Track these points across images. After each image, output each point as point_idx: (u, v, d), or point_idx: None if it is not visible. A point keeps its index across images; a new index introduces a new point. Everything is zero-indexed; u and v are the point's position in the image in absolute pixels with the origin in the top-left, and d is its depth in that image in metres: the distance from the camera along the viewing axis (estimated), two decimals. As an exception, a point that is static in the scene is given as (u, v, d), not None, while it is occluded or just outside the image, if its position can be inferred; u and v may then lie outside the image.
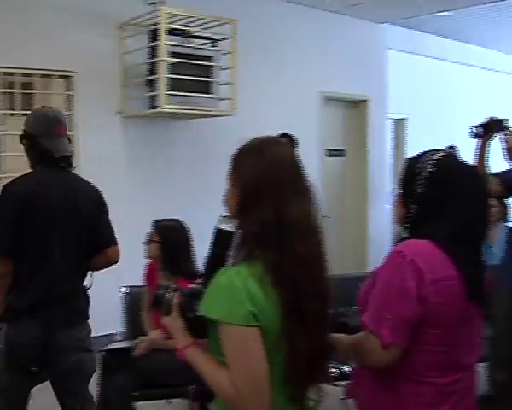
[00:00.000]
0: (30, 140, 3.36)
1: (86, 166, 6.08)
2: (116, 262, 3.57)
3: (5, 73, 5.90)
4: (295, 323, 1.88)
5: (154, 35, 6.27)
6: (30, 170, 3.45)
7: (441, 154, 2.24)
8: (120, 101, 6.46)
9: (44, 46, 6.01)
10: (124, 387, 3.92)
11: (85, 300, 3.50)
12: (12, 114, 6.00)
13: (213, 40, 6.72)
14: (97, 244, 3.46)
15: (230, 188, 2.02)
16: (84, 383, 3.49)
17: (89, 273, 3.55)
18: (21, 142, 3.41)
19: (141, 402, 4.04)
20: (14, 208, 3.23)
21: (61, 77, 6.25)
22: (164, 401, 4.49)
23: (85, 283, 3.55)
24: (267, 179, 1.95)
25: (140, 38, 6.42)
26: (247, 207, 1.94)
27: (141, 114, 6.51)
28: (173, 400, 4.59)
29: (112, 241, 3.52)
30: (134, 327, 4.40)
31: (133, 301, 4.49)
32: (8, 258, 3.26)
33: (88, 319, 3.54)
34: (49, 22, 6.04)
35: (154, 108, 6.25)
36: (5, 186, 3.38)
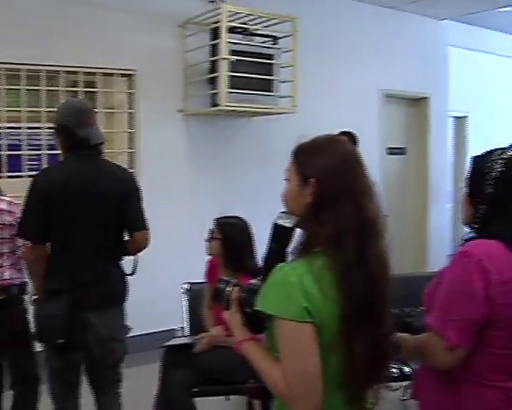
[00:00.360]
0: (66, 132, 3.47)
1: (147, 164, 6.18)
2: (145, 247, 3.61)
3: (68, 72, 6.00)
4: (354, 323, 1.86)
5: (215, 33, 6.31)
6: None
7: (510, 153, 2.19)
8: (181, 99, 6.51)
9: (107, 45, 6.10)
10: (184, 383, 3.94)
11: (118, 284, 3.60)
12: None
13: (274, 38, 6.71)
14: (127, 229, 3.56)
15: (294, 186, 1.99)
16: (113, 369, 3.67)
17: (133, 260, 3.65)
18: (57, 135, 3.55)
19: (200, 398, 4.07)
20: (40, 198, 3.37)
21: (123, 75, 6.33)
22: (223, 397, 4.53)
23: (127, 269, 3.65)
24: (343, 179, 1.92)
25: (201, 37, 6.47)
26: (320, 206, 1.92)
27: (202, 111, 6.54)
28: (232, 397, 4.62)
29: (140, 225, 3.57)
30: (195, 323, 4.43)
31: (194, 297, 4.51)
32: (37, 243, 3.44)
33: (122, 303, 3.63)
34: (112, 22, 6.13)
35: (214, 105, 6.28)
36: (34, 176, 3.53)
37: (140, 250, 3.63)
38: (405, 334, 2.30)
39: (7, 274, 3.87)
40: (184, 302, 4.64)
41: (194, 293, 4.53)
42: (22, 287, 3.95)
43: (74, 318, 3.35)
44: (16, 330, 3.89)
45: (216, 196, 6.56)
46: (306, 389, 1.82)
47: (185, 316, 4.61)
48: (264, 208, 5.74)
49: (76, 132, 3.43)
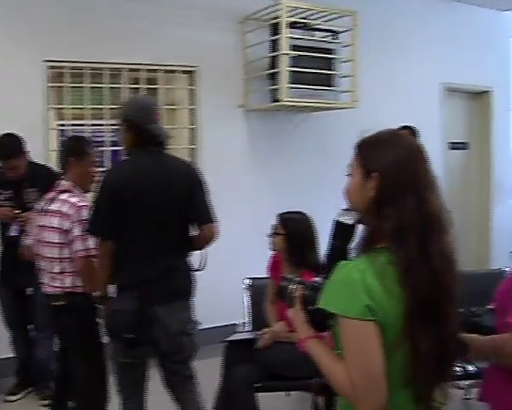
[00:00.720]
0: (136, 128, 3.50)
1: (208, 160, 6.22)
2: (213, 240, 3.63)
3: (131, 70, 6.09)
4: (418, 320, 1.83)
5: (275, 29, 6.30)
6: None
7: None
8: (242, 94, 6.53)
9: (169, 42, 6.16)
10: (247, 378, 3.96)
11: (184, 280, 3.61)
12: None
13: (334, 32, 6.68)
14: (195, 222, 3.57)
15: (356, 180, 1.97)
16: (183, 364, 3.66)
17: (200, 255, 3.66)
18: (126, 130, 3.56)
19: (261, 394, 4.08)
20: (107, 195, 3.43)
21: (184, 72, 6.39)
22: (283, 393, 4.53)
23: (196, 264, 3.67)
24: (406, 173, 1.90)
25: (261, 32, 6.47)
26: (383, 201, 1.89)
27: (262, 107, 6.55)
28: (292, 392, 4.62)
29: (207, 219, 3.58)
30: (257, 319, 4.45)
31: (256, 292, 4.53)
32: (105, 239, 3.50)
33: (188, 298, 3.63)
34: (173, 19, 6.19)
35: (275, 101, 6.29)
36: (103, 173, 3.62)
37: (209, 244, 3.63)
38: (473, 334, 2.26)
39: (68, 281, 3.90)
40: (246, 298, 4.66)
41: (255, 288, 4.55)
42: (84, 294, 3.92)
43: (143, 312, 3.39)
44: (83, 333, 3.94)
45: (277, 191, 6.57)
46: (370, 389, 1.81)
47: (247, 311, 4.64)
48: (326, 203, 5.72)
49: (146, 129, 3.48)
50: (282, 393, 4.54)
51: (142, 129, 3.48)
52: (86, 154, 4.04)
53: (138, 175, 3.46)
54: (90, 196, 3.93)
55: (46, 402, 5.06)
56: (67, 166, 4.00)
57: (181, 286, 3.58)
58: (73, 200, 3.86)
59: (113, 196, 3.41)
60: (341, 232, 2.05)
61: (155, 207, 3.43)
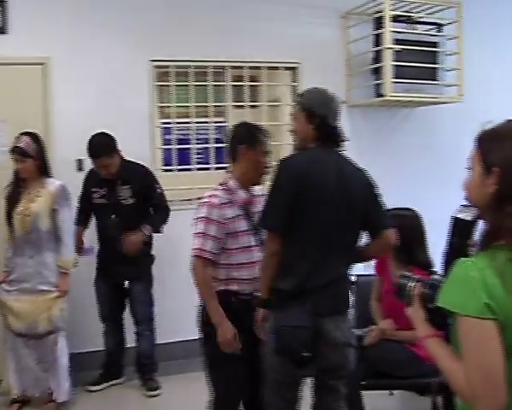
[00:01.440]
0: (320, 120, 3.21)
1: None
2: (391, 247, 3.36)
3: (234, 67, 6.16)
4: None
5: (378, 23, 6.24)
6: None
7: None
8: (345, 90, 6.46)
9: (271, 39, 6.21)
10: (353, 375, 3.93)
11: (348, 288, 3.36)
12: (236, 106, 6.27)
13: (438, 25, 6.55)
14: (371, 229, 3.27)
15: (476, 175, 1.91)
16: (343, 379, 3.34)
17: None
18: (307, 120, 3.24)
19: (365, 392, 4.05)
20: (291, 183, 3.10)
21: (286, 68, 6.41)
22: (387, 392, 4.49)
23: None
24: None
25: (364, 27, 6.42)
26: (504, 197, 1.83)
27: (366, 102, 6.48)
28: (396, 392, 4.57)
29: (384, 225, 3.26)
30: (362, 316, 4.41)
31: (361, 289, 4.49)
32: (279, 235, 3.15)
33: (349, 307, 3.37)
34: (275, 15, 6.23)
35: (379, 96, 6.23)
36: (281, 161, 3.25)
37: (387, 251, 3.42)
38: None
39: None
40: (352, 295, 4.62)
41: (361, 285, 4.51)
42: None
43: (316, 327, 3.09)
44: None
45: (382, 187, 6.46)
46: (490, 389, 1.75)
47: (352, 309, 4.60)
48: (430, 199, 5.66)
49: (331, 124, 3.24)
50: (386, 392, 4.50)
51: (325, 123, 3.21)
52: (258, 142, 3.59)
53: (320, 170, 3.15)
54: (258, 189, 3.68)
55: (154, 393, 5.21)
56: (237, 155, 3.60)
57: (346, 296, 3.32)
58: (206, 194, 3.59)
59: (295, 185, 3.09)
60: (460, 229, 2.00)
61: (336, 207, 3.13)
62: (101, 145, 5.00)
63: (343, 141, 3.31)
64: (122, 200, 5.09)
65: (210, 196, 3.51)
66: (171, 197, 5.81)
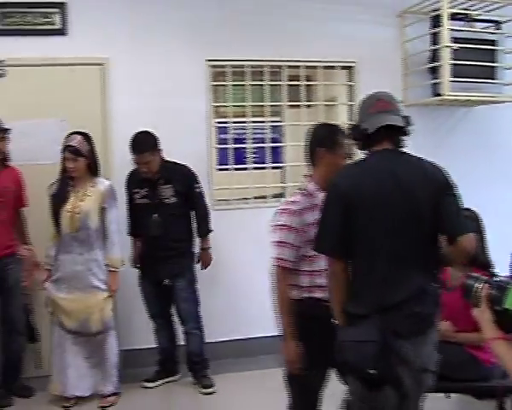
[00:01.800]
0: (353, 130, 3.07)
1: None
2: (470, 254, 2.95)
3: (290, 67, 6.17)
4: None
5: (435, 21, 6.17)
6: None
7: None
8: (401, 89, 6.40)
9: (327, 38, 6.18)
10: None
11: (432, 305, 2.95)
12: (291, 106, 6.27)
13: (497, 23, 6.45)
14: (447, 235, 2.91)
15: None
16: (416, 402, 3.00)
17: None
18: (352, 138, 3.11)
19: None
20: (338, 202, 2.91)
21: (343, 68, 6.39)
22: (443, 394, 4.42)
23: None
24: None
25: (420, 26, 6.35)
26: None
27: (423, 102, 6.39)
28: (453, 395, 4.50)
29: (462, 228, 2.90)
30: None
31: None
32: (337, 257, 2.96)
33: (434, 325, 2.99)
34: (332, 15, 6.21)
35: (437, 95, 6.16)
36: (331, 180, 3.03)
37: (466, 258, 2.98)
38: None
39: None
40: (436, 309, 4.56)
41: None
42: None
43: (386, 346, 2.77)
44: None
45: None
46: None
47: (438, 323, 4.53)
48: (489, 199, 5.57)
49: (356, 126, 3.05)
50: (442, 394, 4.44)
51: (354, 127, 3.07)
52: (338, 144, 3.39)
53: (373, 180, 2.91)
54: None
55: (209, 390, 5.26)
56: (316, 159, 3.44)
57: (428, 314, 2.92)
58: (285, 201, 3.51)
59: (344, 204, 2.89)
60: None
61: (398, 216, 2.85)
62: (145, 142, 5.07)
63: (399, 136, 3.03)
64: (164, 199, 5.14)
65: (289, 203, 3.42)
66: (226, 196, 5.86)
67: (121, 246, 5.11)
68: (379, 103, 3.02)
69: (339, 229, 2.90)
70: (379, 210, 2.87)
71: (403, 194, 2.87)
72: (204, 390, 5.29)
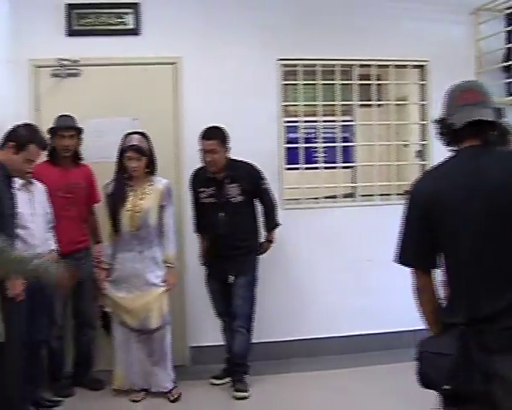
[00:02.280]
0: (439, 123, 2.76)
1: (439, 156, 6.07)
2: None
3: (362, 66, 6.12)
4: None
5: (510, 19, 6.06)
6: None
7: None
8: (476, 89, 6.28)
9: (398, 36, 6.12)
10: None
11: None
12: (361, 105, 6.22)
13: None
14: None
15: None
16: None
17: None
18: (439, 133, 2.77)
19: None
20: (416, 212, 2.71)
21: (415, 66, 6.31)
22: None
23: None
24: None
25: (495, 23, 6.23)
26: None
27: (497, 101, 6.14)
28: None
29: None
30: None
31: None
32: (419, 270, 2.74)
33: None
34: (403, 13, 6.14)
35: (511, 95, 6.05)
36: (410, 188, 2.83)
37: None
38: None
39: None
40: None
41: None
42: None
43: (471, 360, 2.50)
44: None
45: None
46: None
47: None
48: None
49: (443, 119, 2.75)
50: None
51: (439, 121, 2.76)
52: None
53: (454, 184, 2.63)
54: None
55: (241, 395, 5.16)
56: None
57: None
58: None
59: (419, 214, 2.69)
60: None
61: (470, 225, 2.58)
62: (216, 131, 5.11)
63: (489, 132, 2.66)
64: (231, 198, 5.14)
65: None
66: (296, 196, 5.83)
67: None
68: (466, 95, 2.72)
69: (418, 240, 2.73)
70: (455, 218, 2.62)
71: (479, 197, 2.56)
72: (237, 394, 5.16)
